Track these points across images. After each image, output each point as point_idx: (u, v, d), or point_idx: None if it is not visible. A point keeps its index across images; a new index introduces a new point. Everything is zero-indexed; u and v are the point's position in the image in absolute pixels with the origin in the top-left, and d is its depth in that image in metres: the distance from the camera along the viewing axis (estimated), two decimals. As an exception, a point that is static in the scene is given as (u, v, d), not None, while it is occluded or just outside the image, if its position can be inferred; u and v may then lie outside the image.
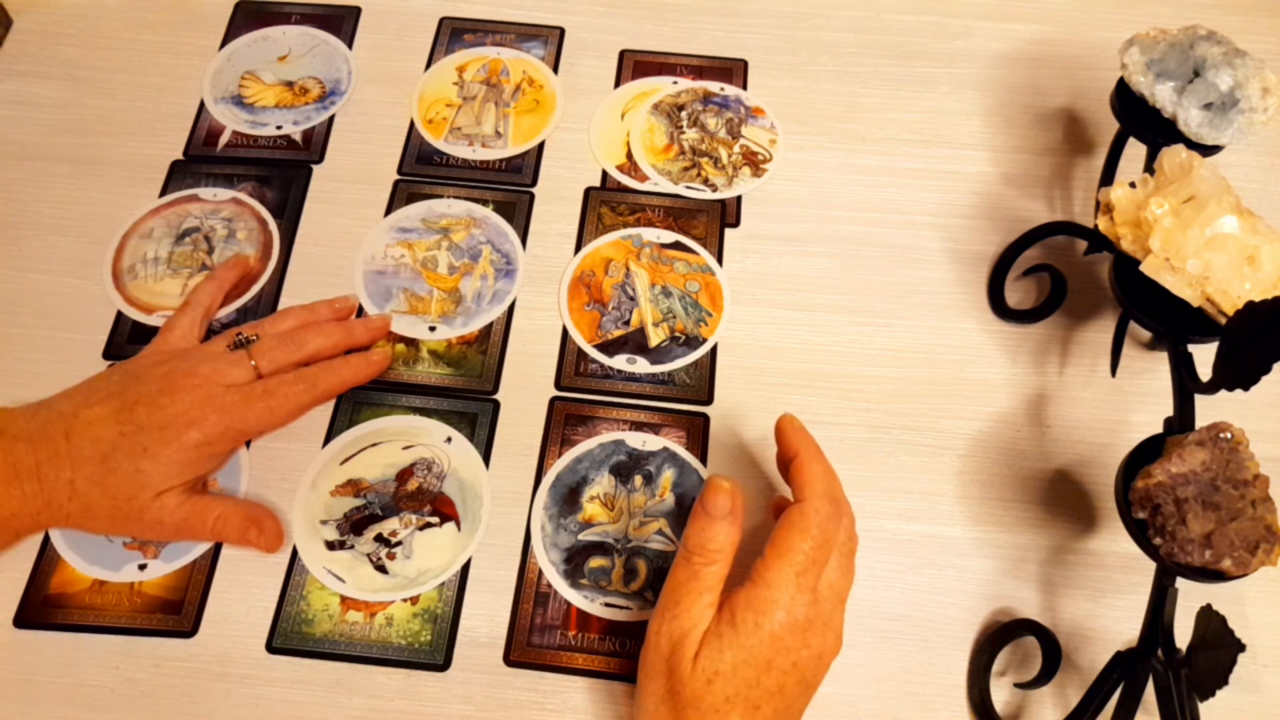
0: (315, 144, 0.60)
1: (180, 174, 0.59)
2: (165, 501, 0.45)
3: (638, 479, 0.50)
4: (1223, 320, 0.44)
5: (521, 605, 0.47)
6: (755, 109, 0.62)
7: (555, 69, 0.64)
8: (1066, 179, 0.61)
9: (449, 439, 0.51)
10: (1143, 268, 0.44)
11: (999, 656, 0.47)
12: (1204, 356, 0.44)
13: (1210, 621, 0.41)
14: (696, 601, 0.39)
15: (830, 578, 0.40)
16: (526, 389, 0.53)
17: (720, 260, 0.57)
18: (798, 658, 0.38)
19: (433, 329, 0.54)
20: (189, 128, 0.61)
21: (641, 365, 0.53)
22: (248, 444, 0.51)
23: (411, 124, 0.61)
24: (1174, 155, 0.46)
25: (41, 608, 0.46)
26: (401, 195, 0.58)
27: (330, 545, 0.48)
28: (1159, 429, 0.45)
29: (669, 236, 0.57)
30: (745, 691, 0.37)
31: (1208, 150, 0.50)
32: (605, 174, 0.60)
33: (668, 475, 0.50)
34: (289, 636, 0.46)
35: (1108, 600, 0.48)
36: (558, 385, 0.53)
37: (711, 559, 0.40)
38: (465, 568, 0.48)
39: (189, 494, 0.46)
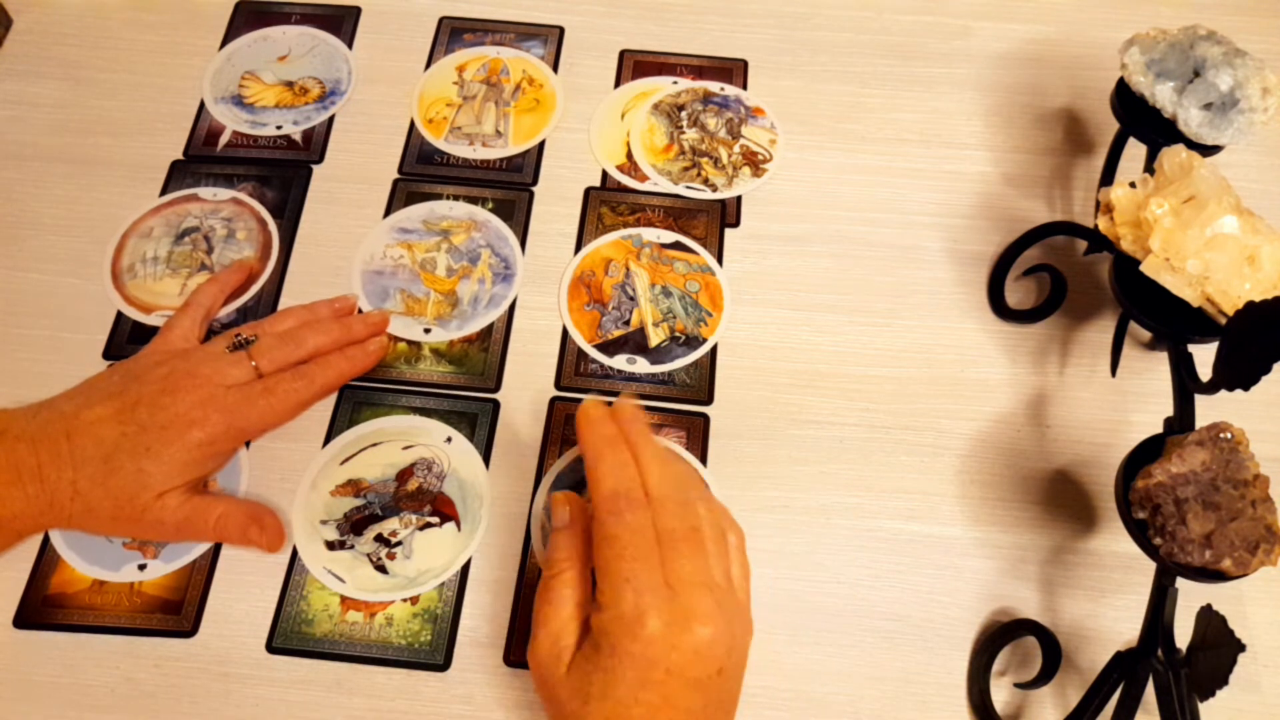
0: (315, 144, 0.60)
1: (180, 174, 0.59)
2: (167, 501, 0.45)
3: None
4: (1223, 320, 0.44)
5: (521, 605, 0.47)
6: (755, 109, 0.62)
7: (555, 68, 0.64)
8: (1066, 179, 0.61)
9: (449, 439, 0.51)
10: (1143, 268, 0.44)
11: (999, 656, 0.47)
12: (1204, 356, 0.44)
13: (1210, 621, 0.41)
14: (552, 615, 0.39)
15: (680, 569, 0.37)
16: (526, 389, 0.53)
17: (720, 260, 0.57)
18: (669, 663, 0.35)
19: (428, 330, 0.54)
20: (189, 128, 0.61)
21: (641, 365, 0.53)
22: (247, 444, 0.51)
23: (412, 123, 0.61)
24: (1174, 155, 0.46)
25: (41, 608, 0.46)
26: (401, 195, 0.58)
27: (330, 545, 0.48)
28: (1159, 429, 0.45)
29: (669, 236, 0.57)
30: (624, 711, 0.36)
31: (1208, 150, 0.50)
32: (605, 174, 0.60)
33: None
34: (289, 636, 0.46)
35: (1108, 600, 0.48)
36: (558, 385, 0.53)
37: (556, 569, 0.40)
38: (465, 568, 0.48)
39: (190, 494, 0.46)
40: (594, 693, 0.36)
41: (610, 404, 0.43)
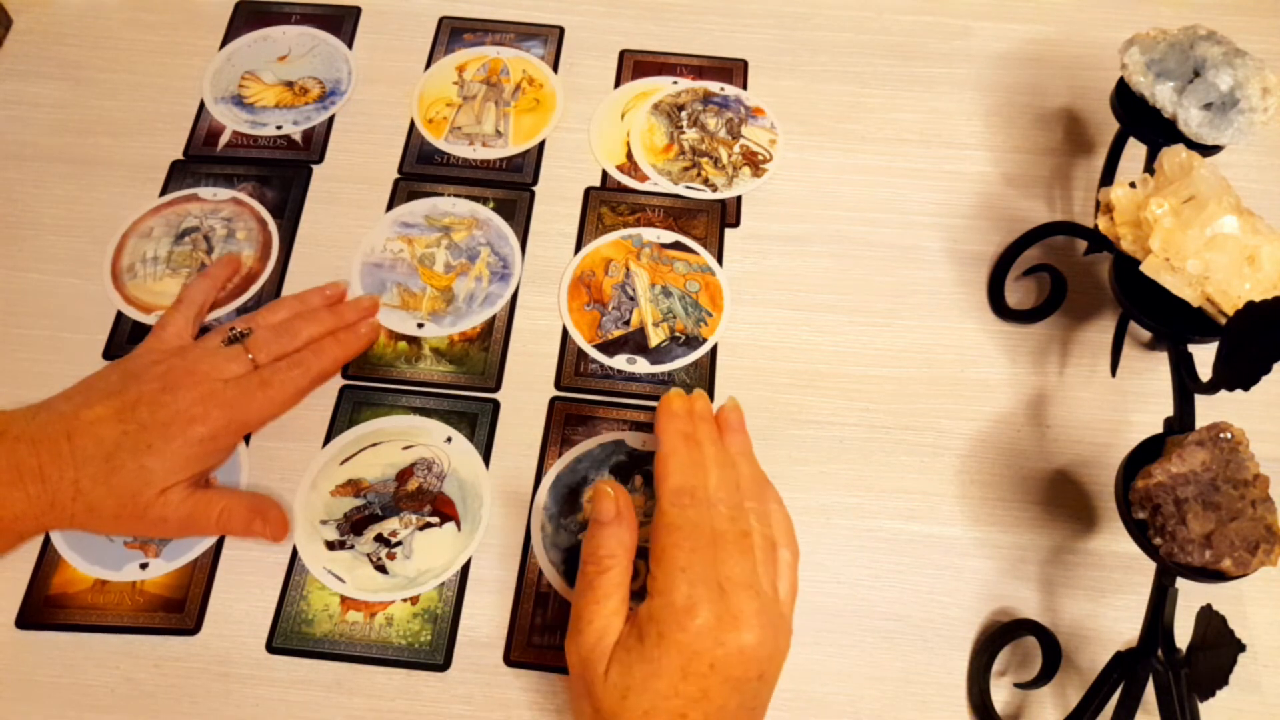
0: (315, 144, 0.60)
1: (180, 174, 0.59)
2: (169, 498, 0.45)
3: (638, 479, 0.50)
4: (1223, 320, 0.44)
5: (521, 605, 0.47)
6: (755, 109, 0.62)
7: (555, 68, 0.64)
8: (1066, 179, 0.61)
9: (449, 439, 0.51)
10: (1143, 268, 0.44)
11: (999, 656, 0.47)
12: (1204, 356, 0.44)
13: (1210, 621, 0.41)
14: (598, 612, 0.39)
15: (729, 570, 0.38)
16: (526, 389, 0.53)
17: (720, 260, 0.57)
18: (713, 658, 0.36)
19: (420, 325, 0.54)
20: (189, 128, 0.61)
21: (641, 365, 0.53)
22: (247, 439, 0.51)
23: (412, 123, 0.61)
24: (1174, 155, 0.46)
25: (43, 608, 0.46)
26: (402, 194, 0.58)
27: (330, 545, 0.48)
28: (1159, 429, 0.45)
29: (669, 236, 0.57)
30: (663, 703, 0.36)
31: (1208, 150, 0.50)
32: (605, 174, 0.60)
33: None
34: (289, 636, 0.46)
35: (1108, 600, 0.49)
36: (558, 385, 0.53)
37: (604, 565, 0.40)
38: (465, 568, 0.48)
39: (192, 489, 0.46)
40: (634, 685, 0.36)
41: (688, 394, 0.46)
